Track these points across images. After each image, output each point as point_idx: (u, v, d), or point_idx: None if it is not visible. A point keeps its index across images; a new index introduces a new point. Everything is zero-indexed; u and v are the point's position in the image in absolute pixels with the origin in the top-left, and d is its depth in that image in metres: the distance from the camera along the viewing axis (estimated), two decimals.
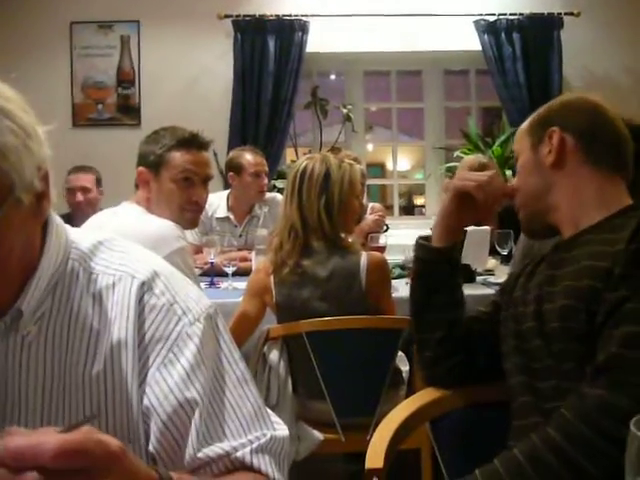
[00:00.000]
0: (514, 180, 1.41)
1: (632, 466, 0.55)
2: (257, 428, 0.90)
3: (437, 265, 1.43)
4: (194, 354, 0.88)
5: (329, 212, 2.25)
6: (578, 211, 1.28)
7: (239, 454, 0.87)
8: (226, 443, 0.87)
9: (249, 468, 0.87)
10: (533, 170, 1.34)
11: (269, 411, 0.96)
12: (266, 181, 3.68)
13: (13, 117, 0.79)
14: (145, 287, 0.90)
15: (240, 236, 3.64)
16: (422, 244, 1.44)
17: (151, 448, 0.87)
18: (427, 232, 1.50)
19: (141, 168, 2.13)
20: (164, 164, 2.10)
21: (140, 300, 0.89)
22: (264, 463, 0.88)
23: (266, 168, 3.69)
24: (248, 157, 3.61)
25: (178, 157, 2.10)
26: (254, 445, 0.88)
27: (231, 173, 3.63)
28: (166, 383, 0.87)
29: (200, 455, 0.85)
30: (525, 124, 1.39)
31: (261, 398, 0.95)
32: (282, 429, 0.94)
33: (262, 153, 3.75)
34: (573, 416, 1.04)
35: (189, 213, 2.16)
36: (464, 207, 1.40)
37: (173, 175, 2.10)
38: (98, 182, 3.89)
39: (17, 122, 0.79)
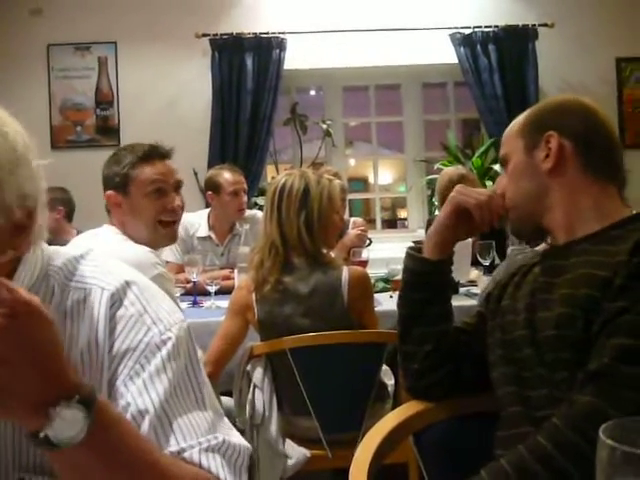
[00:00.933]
0: (501, 182, 1.38)
1: (602, 473, 0.55)
2: (209, 433, 0.87)
3: (430, 277, 1.41)
4: (157, 365, 0.86)
5: (309, 228, 2.25)
6: (574, 218, 1.26)
7: (187, 454, 0.83)
8: (174, 447, 0.83)
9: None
10: (527, 174, 1.31)
11: (228, 424, 0.93)
12: (245, 199, 3.66)
13: (10, 140, 0.79)
14: (115, 298, 0.89)
15: (222, 255, 3.62)
16: (414, 255, 1.42)
17: None
18: (410, 244, 1.49)
19: (109, 192, 2.11)
20: (131, 182, 2.08)
21: (110, 311, 0.88)
22: (214, 464, 0.84)
23: (245, 186, 3.67)
24: (226, 176, 3.59)
25: (143, 171, 2.09)
26: (203, 445, 0.84)
27: (209, 192, 3.62)
28: (130, 393, 0.85)
29: None
30: (516, 126, 1.36)
31: (225, 419, 0.92)
32: (240, 439, 0.91)
33: (240, 171, 3.73)
34: (562, 424, 1.04)
35: (166, 228, 2.14)
36: (460, 222, 1.38)
37: (143, 190, 2.09)
38: (51, 202, 3.80)
39: (10, 145, 0.79)
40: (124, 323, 0.88)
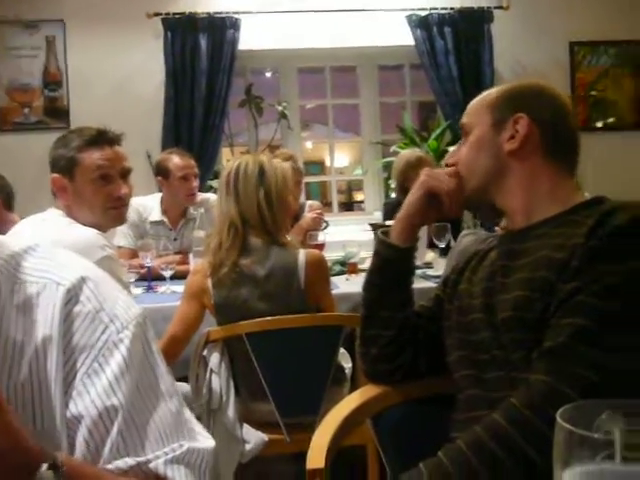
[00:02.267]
0: (457, 151, 1.37)
1: (559, 456, 0.55)
2: (175, 439, 0.86)
3: (398, 263, 1.41)
4: (119, 364, 0.84)
5: (269, 203, 2.24)
6: (531, 203, 1.26)
7: (152, 465, 0.83)
8: (142, 456, 0.83)
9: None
10: (488, 149, 1.30)
11: (194, 424, 0.92)
12: (196, 184, 3.59)
13: None
14: (71, 293, 0.86)
15: (175, 239, 3.56)
16: (386, 242, 1.41)
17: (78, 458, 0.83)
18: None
19: (55, 175, 2.06)
20: (77, 166, 2.04)
21: (65, 306, 0.85)
22: (178, 475, 0.84)
23: (195, 170, 3.60)
24: (175, 160, 3.52)
25: (90, 156, 2.04)
26: (168, 456, 0.84)
27: (159, 177, 3.56)
28: (89, 395, 0.83)
29: (110, 467, 0.81)
30: (487, 98, 1.34)
31: (186, 412, 0.91)
32: (206, 441, 0.91)
33: (190, 155, 3.66)
34: (518, 402, 1.05)
35: (112, 210, 2.10)
36: (429, 206, 1.37)
37: (88, 176, 2.04)
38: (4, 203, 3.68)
39: None
40: (81, 320, 0.85)
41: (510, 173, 1.28)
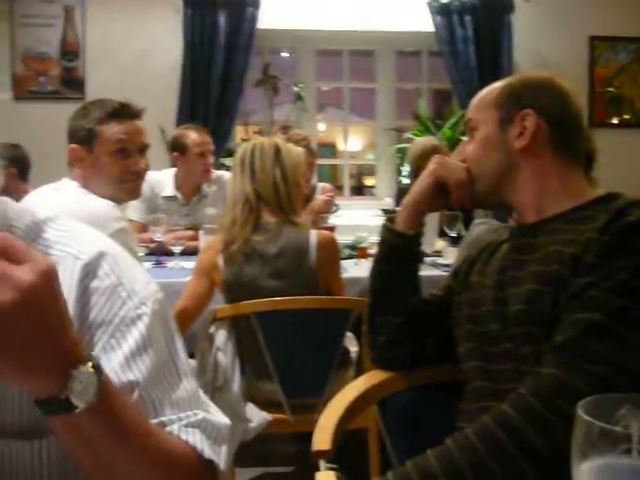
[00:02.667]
0: (465, 149, 1.36)
1: (578, 449, 0.55)
2: (189, 409, 0.87)
3: (405, 250, 1.41)
4: (136, 340, 0.84)
5: (285, 181, 2.26)
6: (542, 197, 1.26)
7: (167, 428, 0.83)
8: (154, 420, 0.83)
9: None
10: (497, 147, 1.30)
11: (209, 402, 0.93)
12: (212, 160, 3.58)
13: None
14: (89, 268, 0.86)
15: (187, 215, 3.56)
16: (392, 229, 1.41)
17: None
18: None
19: (73, 145, 2.06)
20: (96, 138, 2.04)
21: (82, 281, 0.85)
22: (193, 438, 0.84)
23: (212, 147, 3.59)
24: (193, 136, 3.50)
25: (110, 129, 2.04)
26: (183, 422, 0.84)
27: (175, 153, 3.53)
28: (109, 368, 0.82)
29: None
30: (491, 95, 1.33)
31: (200, 391, 0.92)
32: (221, 418, 0.91)
33: (207, 131, 3.66)
34: (527, 393, 1.05)
35: (129, 183, 2.11)
36: (437, 194, 1.37)
37: (107, 148, 2.04)
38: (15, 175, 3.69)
39: None
40: (98, 295, 0.85)
41: (520, 170, 1.28)
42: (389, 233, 1.41)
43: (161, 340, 0.88)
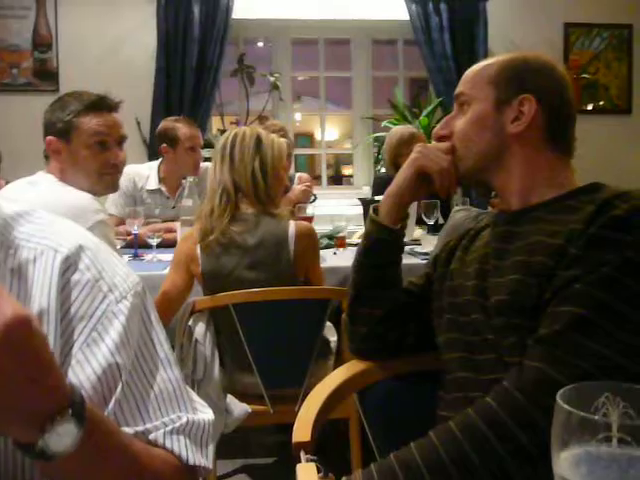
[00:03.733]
0: (452, 122, 1.31)
1: (558, 438, 0.55)
2: (174, 410, 0.87)
3: (389, 244, 1.39)
4: (119, 333, 0.84)
5: (264, 171, 2.24)
6: (529, 185, 1.24)
7: (152, 436, 0.83)
8: (140, 426, 0.83)
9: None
10: (490, 126, 1.25)
11: (192, 394, 0.93)
12: (201, 154, 3.52)
13: None
14: (69, 261, 0.85)
15: (174, 207, 3.50)
16: (377, 221, 1.37)
17: None
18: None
19: (50, 137, 2.04)
20: (74, 130, 2.03)
21: (63, 275, 0.84)
22: (178, 446, 0.84)
23: (201, 141, 3.55)
24: (184, 130, 3.44)
25: (88, 121, 2.03)
26: (168, 428, 0.85)
27: (164, 145, 3.46)
28: (89, 363, 0.82)
29: None
30: (489, 71, 1.27)
31: (184, 381, 0.92)
32: (204, 412, 0.91)
33: (196, 125, 3.60)
34: (511, 387, 1.05)
35: (107, 176, 2.10)
36: (420, 184, 1.34)
37: (85, 140, 2.03)
38: None
39: None
40: (79, 289, 0.84)
41: (510, 154, 1.25)
42: (375, 227, 1.38)
43: (142, 333, 0.88)
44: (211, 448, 0.89)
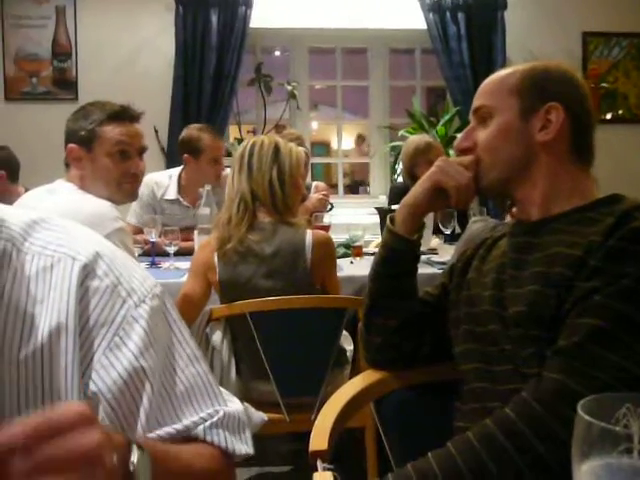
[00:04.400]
0: (473, 133, 1.29)
1: (579, 449, 0.54)
2: (209, 405, 0.89)
3: (406, 254, 1.38)
4: (142, 337, 0.84)
5: (281, 180, 2.25)
6: (551, 196, 1.23)
7: (193, 433, 0.87)
8: (179, 424, 0.86)
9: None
10: (516, 137, 1.24)
11: (220, 388, 0.94)
12: (224, 165, 3.48)
13: None
14: (87, 269, 0.85)
15: (194, 216, 3.51)
16: (394, 231, 1.37)
17: None
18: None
19: (72, 145, 2.07)
20: (96, 139, 2.05)
21: (82, 283, 0.84)
22: (218, 439, 0.88)
23: (224, 153, 3.53)
24: (208, 141, 3.40)
25: (110, 131, 2.06)
26: (207, 423, 0.88)
27: (187, 155, 3.43)
28: (114, 367, 0.83)
29: (151, 435, 0.83)
30: (510, 81, 1.25)
31: (212, 374, 0.94)
32: (235, 403, 0.95)
33: (220, 135, 3.59)
34: (530, 397, 1.04)
35: (127, 185, 2.13)
36: (436, 197, 1.32)
37: (107, 149, 2.06)
38: (4, 177, 3.68)
39: None
40: (99, 297, 0.85)
41: (536, 164, 1.23)
42: (392, 237, 1.37)
43: (165, 333, 0.89)
44: (249, 434, 0.93)
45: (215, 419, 0.88)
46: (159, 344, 0.87)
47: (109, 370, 0.83)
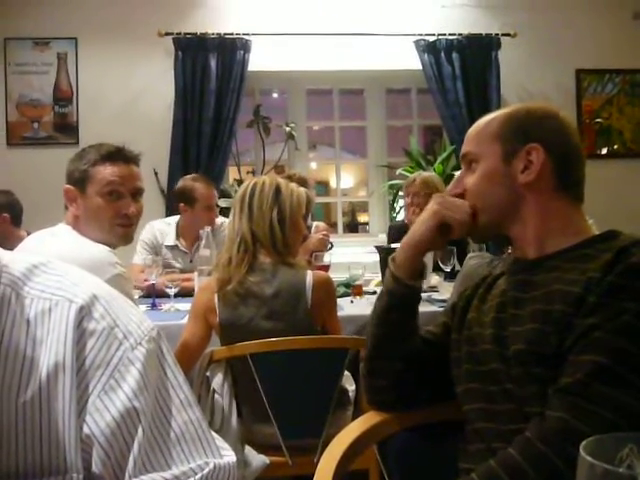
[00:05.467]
0: (463, 180, 1.32)
1: None
2: (201, 455, 0.87)
3: (409, 299, 1.38)
4: (136, 380, 0.84)
5: (281, 222, 2.25)
6: (544, 234, 1.24)
7: None
8: (167, 472, 0.83)
9: None
10: (501, 182, 1.26)
11: (214, 435, 0.92)
12: (217, 211, 3.66)
13: None
14: (84, 311, 0.86)
15: (191, 261, 3.60)
16: (399, 279, 1.35)
17: (95, 472, 0.83)
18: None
19: (67, 186, 2.07)
20: (89, 179, 2.04)
21: (79, 325, 0.85)
22: None
23: (217, 200, 3.69)
24: (202, 190, 3.57)
25: (102, 171, 2.04)
26: (197, 476, 0.84)
27: (182, 204, 3.59)
28: (108, 410, 0.83)
29: None
30: (491, 127, 1.29)
31: (205, 422, 0.92)
32: (228, 455, 0.91)
33: (212, 183, 3.73)
34: (534, 437, 1.03)
35: (119, 228, 2.09)
36: (439, 234, 1.33)
37: (99, 189, 2.03)
38: (7, 221, 3.73)
39: None
40: (95, 338, 0.85)
41: (524, 204, 1.25)
42: (397, 284, 1.36)
43: (160, 377, 0.88)
44: None
45: (205, 472, 0.85)
46: (152, 387, 0.86)
47: (103, 413, 0.83)
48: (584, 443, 0.54)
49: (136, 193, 2.12)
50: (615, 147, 5.18)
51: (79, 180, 2.05)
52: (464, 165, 1.34)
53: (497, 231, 1.31)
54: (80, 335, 0.85)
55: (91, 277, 0.94)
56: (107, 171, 2.04)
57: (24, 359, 0.83)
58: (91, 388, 0.83)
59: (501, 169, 1.27)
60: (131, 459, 0.82)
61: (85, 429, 0.83)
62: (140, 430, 0.83)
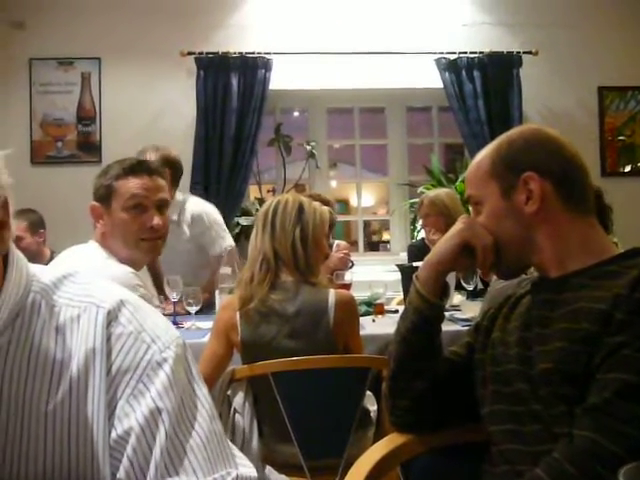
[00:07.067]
0: (479, 221, 1.32)
1: None
2: (222, 466, 0.86)
3: (434, 318, 1.38)
4: (163, 381, 0.85)
5: (304, 241, 2.24)
6: (563, 254, 1.24)
7: None
8: (192, 478, 0.83)
9: None
10: (508, 217, 1.27)
11: (235, 450, 0.92)
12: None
13: None
14: (111, 316, 0.88)
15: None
16: (422, 295, 1.35)
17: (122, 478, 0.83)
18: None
19: (93, 203, 2.06)
20: (113, 194, 2.02)
21: (106, 329, 0.86)
22: None
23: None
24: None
25: (125, 184, 2.02)
26: None
27: None
28: (135, 415, 0.83)
29: None
30: (484, 167, 1.30)
31: (226, 436, 0.91)
32: (248, 468, 0.90)
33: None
34: (562, 458, 1.02)
35: (145, 243, 2.05)
36: (461, 255, 1.33)
37: (123, 203, 2.01)
38: (33, 226, 3.79)
39: None
40: (122, 342, 0.87)
41: (537, 233, 1.26)
42: (421, 302, 1.35)
43: (186, 383, 0.88)
44: None
45: None
46: (179, 389, 0.86)
47: (130, 417, 0.83)
48: (622, 470, 0.53)
49: (161, 205, 2.09)
50: (639, 164, 5.13)
51: (104, 196, 2.04)
52: (472, 208, 1.35)
53: (521, 264, 1.31)
54: (108, 338, 0.86)
55: (118, 286, 0.96)
56: (130, 184, 2.02)
57: (54, 363, 0.85)
58: (120, 392, 0.84)
59: (504, 206, 1.27)
60: (153, 463, 0.81)
61: (113, 434, 0.83)
62: (163, 431, 0.82)
